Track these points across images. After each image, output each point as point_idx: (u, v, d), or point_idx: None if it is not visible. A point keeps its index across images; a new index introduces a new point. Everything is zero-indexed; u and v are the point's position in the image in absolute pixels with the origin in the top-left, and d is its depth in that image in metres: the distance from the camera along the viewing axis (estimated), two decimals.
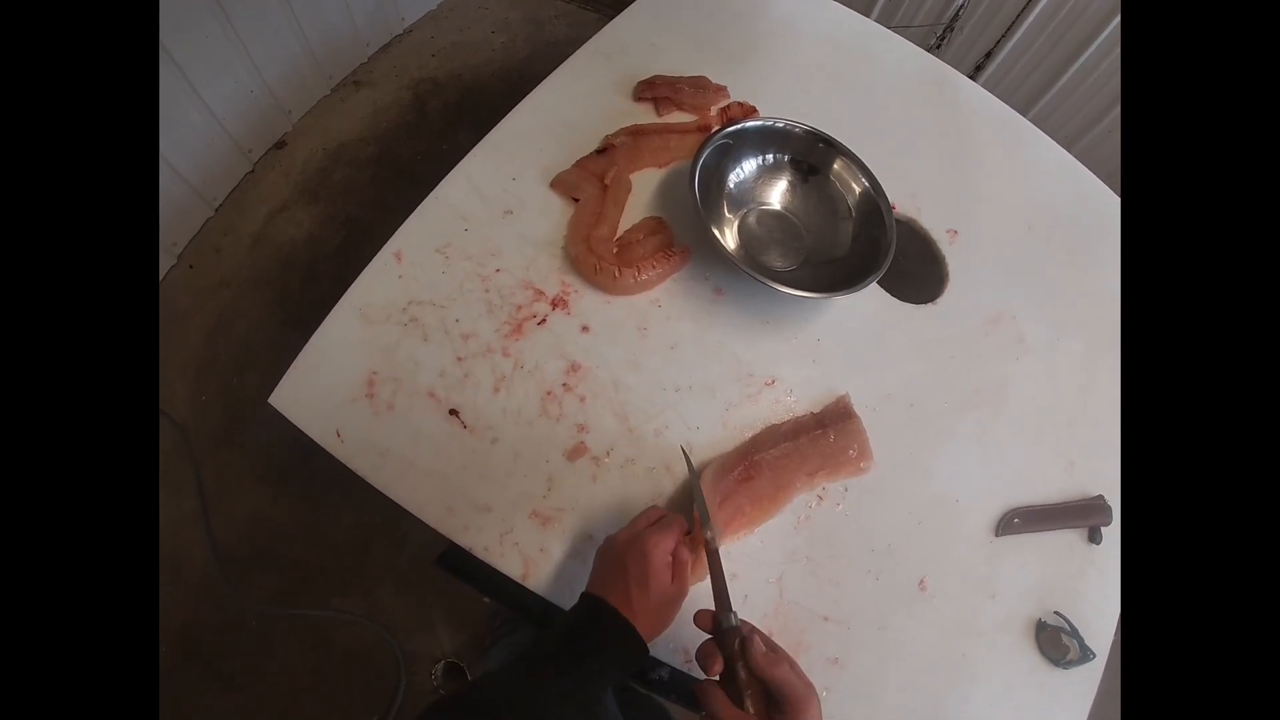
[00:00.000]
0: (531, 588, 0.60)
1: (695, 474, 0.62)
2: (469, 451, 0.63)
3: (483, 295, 0.68)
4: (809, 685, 0.45)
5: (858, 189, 0.80)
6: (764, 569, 0.65)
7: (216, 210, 1.53)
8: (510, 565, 0.61)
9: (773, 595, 0.64)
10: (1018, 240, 0.90)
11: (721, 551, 0.63)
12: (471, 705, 0.42)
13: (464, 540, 0.61)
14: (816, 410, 0.71)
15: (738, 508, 0.65)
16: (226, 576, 1.23)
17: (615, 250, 0.70)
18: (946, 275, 0.85)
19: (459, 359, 0.65)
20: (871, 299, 0.80)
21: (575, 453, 0.63)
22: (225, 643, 1.24)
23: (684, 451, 0.64)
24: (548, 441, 0.64)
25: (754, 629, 0.48)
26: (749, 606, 0.63)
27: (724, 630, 0.48)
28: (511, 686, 0.45)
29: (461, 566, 0.68)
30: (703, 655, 0.48)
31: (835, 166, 0.81)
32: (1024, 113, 1.03)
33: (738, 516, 0.65)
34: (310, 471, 1.32)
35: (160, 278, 1.47)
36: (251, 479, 1.30)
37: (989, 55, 1.54)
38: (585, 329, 0.68)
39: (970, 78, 1.05)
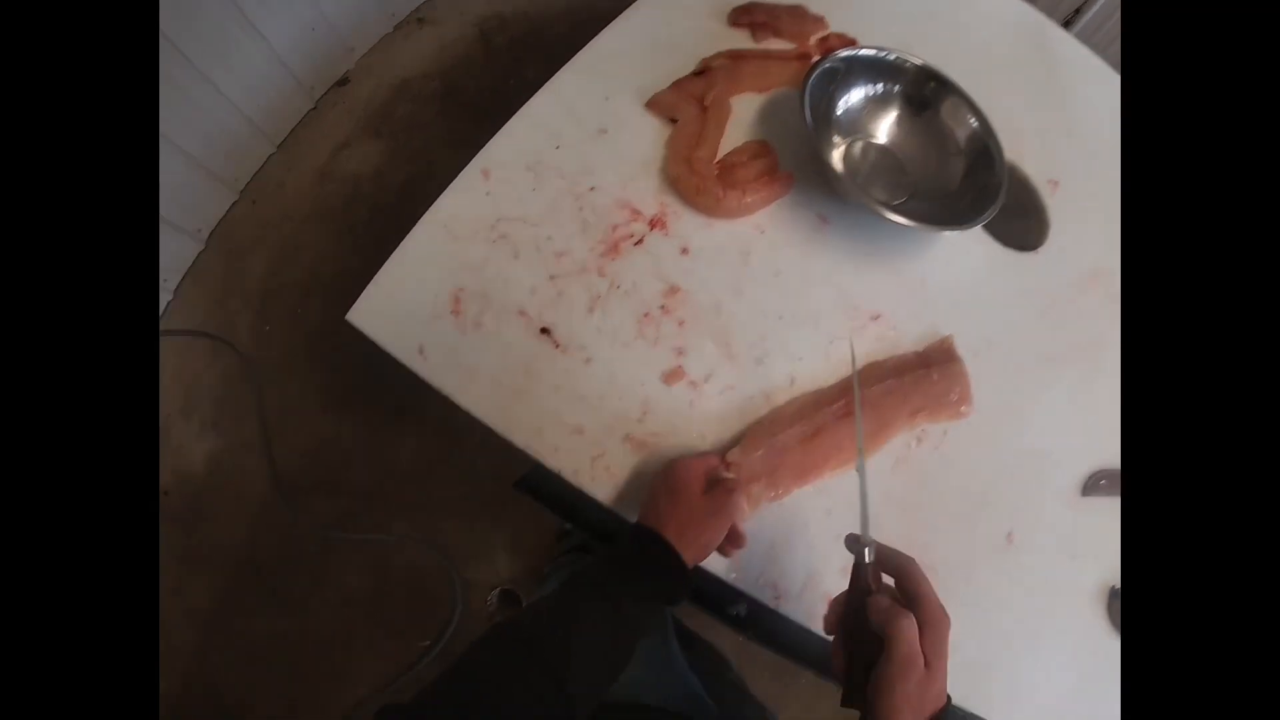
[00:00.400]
0: (622, 514, 0.59)
1: (858, 375, 0.58)
2: (561, 372, 0.60)
3: (576, 213, 0.65)
4: (915, 654, 0.39)
5: (968, 128, 0.76)
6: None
7: (279, 147, 1.52)
8: (601, 490, 0.59)
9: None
10: (1115, 199, 0.83)
11: (818, 488, 0.61)
12: (520, 633, 0.42)
13: (553, 463, 0.59)
14: (919, 349, 0.68)
15: (836, 443, 0.62)
16: (287, 502, 1.25)
17: (716, 172, 0.66)
18: (1048, 225, 0.80)
19: (551, 277, 0.63)
20: (976, 241, 0.75)
21: (673, 377, 0.61)
22: (285, 567, 1.27)
23: (851, 349, 0.59)
24: (644, 364, 0.61)
25: (893, 562, 0.44)
26: (842, 544, 0.61)
27: (856, 565, 0.45)
28: (557, 612, 0.44)
29: (543, 490, 0.67)
30: (829, 614, 0.46)
31: (946, 104, 0.76)
32: None
33: (836, 453, 0.62)
34: (373, 399, 1.32)
35: (223, 213, 1.48)
36: (314, 407, 1.32)
37: (1078, 11, 1.43)
38: (685, 251, 0.65)
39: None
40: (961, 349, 0.68)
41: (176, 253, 1.42)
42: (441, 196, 0.66)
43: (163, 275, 1.40)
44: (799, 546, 0.61)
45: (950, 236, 0.73)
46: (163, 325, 1.40)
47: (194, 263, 1.45)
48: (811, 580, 0.60)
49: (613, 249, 0.64)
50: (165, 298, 1.42)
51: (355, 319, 0.62)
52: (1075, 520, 0.66)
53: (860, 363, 0.65)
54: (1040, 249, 0.77)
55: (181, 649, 1.26)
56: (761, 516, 0.60)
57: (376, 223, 1.40)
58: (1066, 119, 0.87)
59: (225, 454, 1.32)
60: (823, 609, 0.59)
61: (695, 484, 0.53)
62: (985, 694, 0.59)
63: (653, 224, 0.65)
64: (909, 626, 0.39)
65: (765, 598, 0.60)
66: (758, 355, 0.63)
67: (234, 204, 1.49)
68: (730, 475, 0.58)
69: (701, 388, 0.61)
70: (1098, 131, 0.87)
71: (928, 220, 0.67)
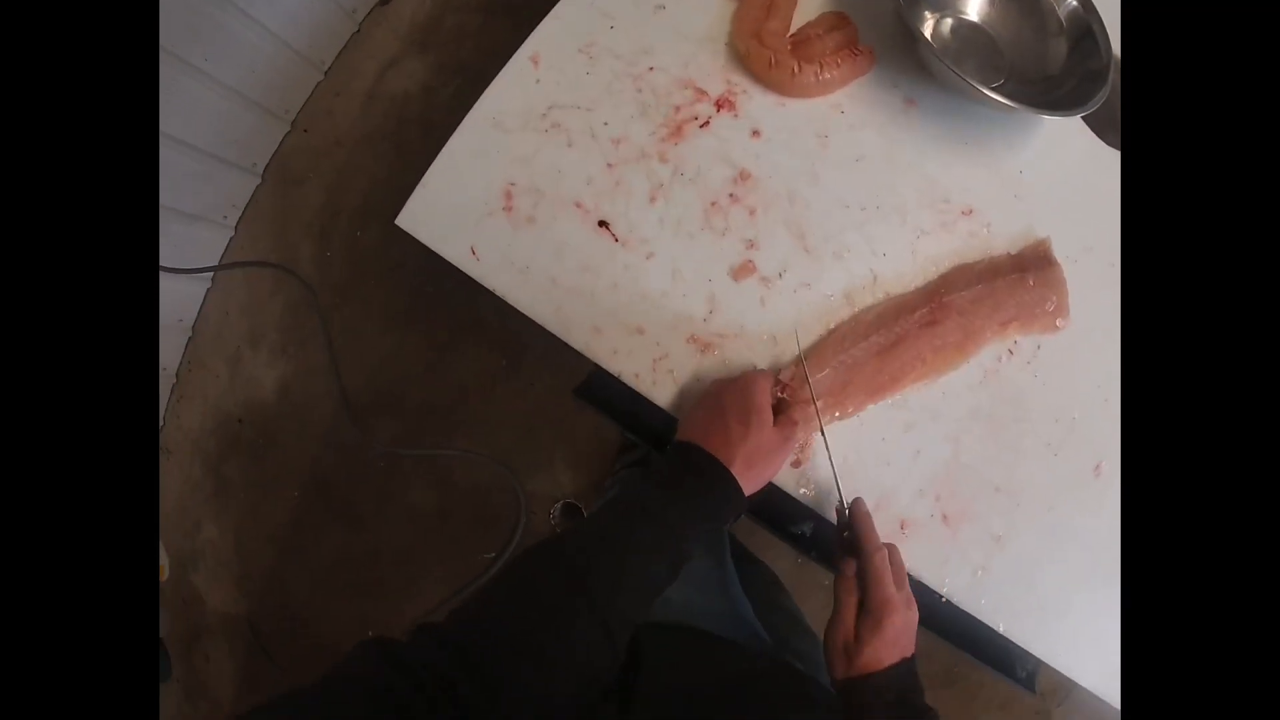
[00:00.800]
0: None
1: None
2: (621, 267, 0.56)
3: (634, 96, 0.59)
4: (842, 627, 0.46)
5: (1068, 6, 0.65)
6: (942, 424, 0.57)
7: (326, 73, 1.50)
8: (662, 394, 0.55)
9: (946, 454, 0.57)
10: None
11: (894, 402, 0.56)
12: (562, 555, 0.40)
13: (612, 365, 0.56)
14: (1014, 251, 0.60)
15: (917, 354, 0.56)
16: (354, 422, 1.29)
17: (789, 46, 0.59)
18: None
19: (609, 165, 0.58)
20: (1077, 135, 0.65)
21: (742, 271, 0.56)
22: (353, 486, 1.32)
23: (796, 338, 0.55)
24: (711, 258, 0.56)
25: (863, 547, 0.47)
26: (920, 462, 0.56)
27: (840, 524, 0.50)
28: (603, 536, 0.42)
29: (601, 396, 0.64)
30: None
31: None
32: None
33: (916, 365, 0.56)
34: (433, 317, 1.33)
35: (276, 146, 1.49)
36: (376, 329, 1.34)
37: None
38: (755, 134, 0.59)
39: None
40: (1059, 255, 0.60)
41: (235, 189, 1.44)
42: (489, 89, 0.62)
43: (223, 212, 1.43)
44: (873, 463, 0.56)
45: (1051, 127, 0.64)
46: (225, 259, 1.44)
47: (252, 197, 1.46)
48: (885, 500, 0.56)
49: (675, 133, 0.58)
50: (227, 234, 1.45)
51: (405, 223, 0.60)
52: None
53: (950, 262, 0.58)
54: None
55: (257, 571, 1.34)
56: (835, 431, 0.56)
57: (430, 139, 1.36)
58: None
59: (294, 379, 1.37)
60: (895, 531, 0.56)
61: (768, 410, 0.48)
62: (1051, 635, 0.55)
63: (719, 105, 0.59)
64: (847, 601, 0.46)
65: (834, 516, 0.56)
66: (836, 249, 0.57)
67: (286, 135, 1.49)
68: (784, 397, 0.53)
69: (774, 284, 0.56)
70: None
71: (1027, 103, 0.58)
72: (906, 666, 0.45)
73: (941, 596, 0.63)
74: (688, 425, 0.49)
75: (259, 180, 1.46)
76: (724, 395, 0.49)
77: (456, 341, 1.33)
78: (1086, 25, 0.63)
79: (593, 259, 0.57)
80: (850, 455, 0.56)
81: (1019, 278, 0.59)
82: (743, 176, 0.58)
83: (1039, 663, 0.63)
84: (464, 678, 0.32)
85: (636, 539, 0.42)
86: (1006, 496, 0.57)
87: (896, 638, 0.45)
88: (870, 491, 0.56)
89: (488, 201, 0.59)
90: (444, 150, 0.61)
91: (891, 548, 0.48)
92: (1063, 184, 0.63)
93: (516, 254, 0.58)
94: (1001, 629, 0.55)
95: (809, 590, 1.16)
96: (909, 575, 0.56)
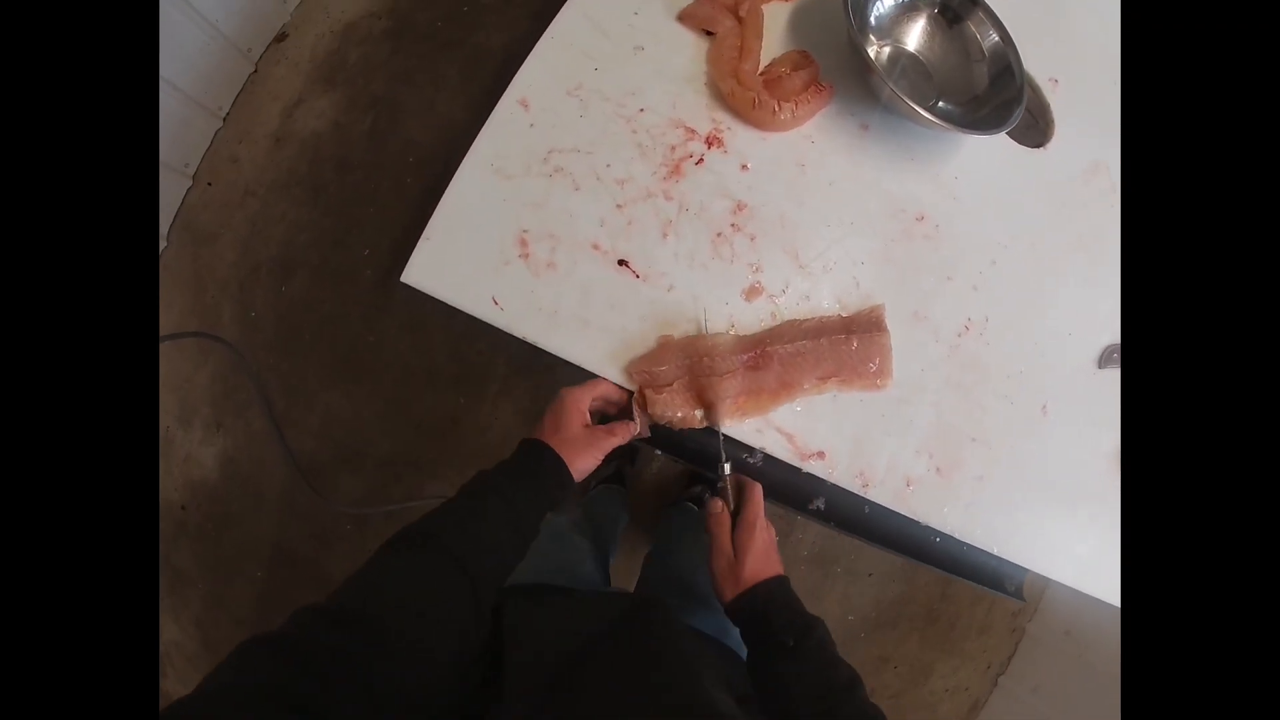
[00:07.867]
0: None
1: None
2: (646, 302, 0.61)
3: (630, 137, 0.64)
4: (721, 547, 0.55)
5: (991, 40, 0.77)
6: (925, 393, 0.66)
7: (225, 119, 1.40)
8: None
9: (932, 417, 0.66)
10: (1106, 95, 0.85)
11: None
12: (416, 532, 0.46)
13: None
14: (846, 313, 0.66)
15: (718, 394, 0.59)
16: (311, 485, 1.22)
17: (762, 85, 0.66)
18: (1052, 122, 0.83)
19: (619, 206, 0.62)
20: (997, 142, 0.77)
21: (753, 293, 0.62)
22: (321, 550, 1.24)
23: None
24: (724, 284, 0.62)
25: (740, 486, 0.58)
26: (914, 429, 0.65)
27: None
28: (458, 510, 0.49)
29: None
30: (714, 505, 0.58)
31: (973, 17, 0.77)
32: None
33: (719, 403, 0.60)
34: (378, 364, 1.28)
35: (179, 202, 1.37)
36: (317, 385, 1.27)
37: None
38: (744, 167, 0.65)
39: None
40: (994, 243, 0.71)
41: None
42: (480, 135, 0.64)
43: None
44: (878, 435, 0.64)
45: (977, 138, 0.75)
46: None
47: (160, 262, 1.34)
48: (893, 464, 0.64)
49: (674, 171, 0.63)
50: None
51: (412, 279, 0.60)
52: (1094, 391, 0.72)
53: (917, 265, 0.67)
54: (1048, 146, 0.80)
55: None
56: (844, 412, 0.63)
57: (347, 178, 1.30)
58: (1064, 21, 0.88)
59: (236, 452, 1.27)
60: (903, 488, 0.65)
61: (578, 415, 0.56)
62: (1031, 549, 0.66)
63: (709, 142, 0.65)
64: (720, 532, 0.55)
65: (855, 487, 0.63)
66: (825, 264, 0.64)
67: (189, 190, 1.38)
68: (634, 422, 0.58)
69: (780, 300, 0.63)
70: (1093, 26, 0.88)
71: (958, 123, 0.68)
72: (783, 583, 0.54)
73: (936, 537, 0.72)
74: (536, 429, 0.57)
75: (165, 244, 1.34)
76: (551, 403, 0.57)
77: (406, 387, 1.28)
78: (1005, 57, 0.75)
79: (618, 296, 0.60)
80: (859, 433, 0.64)
81: (844, 339, 0.63)
82: (740, 207, 0.64)
83: (1023, 576, 0.74)
84: (350, 635, 0.35)
85: (493, 512, 0.49)
86: (981, 444, 0.67)
87: (766, 551, 0.54)
88: (880, 459, 0.64)
89: (503, 250, 0.61)
90: (443, 200, 0.62)
91: (755, 485, 0.57)
92: (990, 183, 0.74)
93: (542, 299, 0.60)
94: (995, 551, 0.65)
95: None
96: (916, 520, 0.65)
